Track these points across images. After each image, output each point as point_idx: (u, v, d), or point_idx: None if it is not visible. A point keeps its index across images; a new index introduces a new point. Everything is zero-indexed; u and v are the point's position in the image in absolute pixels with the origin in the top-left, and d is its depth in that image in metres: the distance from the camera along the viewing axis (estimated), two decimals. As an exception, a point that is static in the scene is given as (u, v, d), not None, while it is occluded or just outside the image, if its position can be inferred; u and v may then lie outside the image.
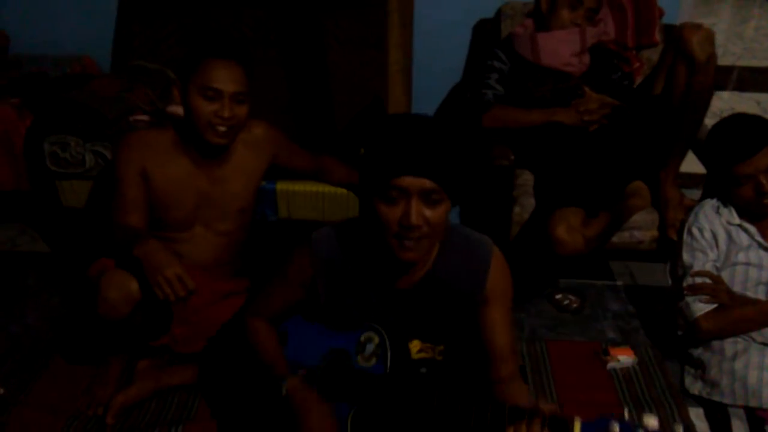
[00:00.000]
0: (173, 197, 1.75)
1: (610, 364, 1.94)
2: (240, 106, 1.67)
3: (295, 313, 1.50)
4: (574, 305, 2.21)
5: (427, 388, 1.26)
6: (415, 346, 1.38)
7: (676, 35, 1.85)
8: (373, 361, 1.32)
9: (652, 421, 1.02)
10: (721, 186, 1.83)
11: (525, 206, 2.05)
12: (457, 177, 1.17)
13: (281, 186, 2.10)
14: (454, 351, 1.43)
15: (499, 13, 2.46)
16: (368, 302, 1.36)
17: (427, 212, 1.15)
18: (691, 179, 2.29)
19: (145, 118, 2.20)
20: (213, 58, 1.63)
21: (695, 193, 2.12)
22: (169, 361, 1.84)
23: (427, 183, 1.13)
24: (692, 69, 1.82)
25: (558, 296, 2.24)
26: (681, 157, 1.99)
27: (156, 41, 2.50)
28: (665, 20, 2.45)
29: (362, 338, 1.35)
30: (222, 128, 1.66)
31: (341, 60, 2.44)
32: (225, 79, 1.62)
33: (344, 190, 2.08)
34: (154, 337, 1.74)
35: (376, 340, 1.33)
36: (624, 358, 1.95)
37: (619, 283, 2.37)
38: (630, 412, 1.08)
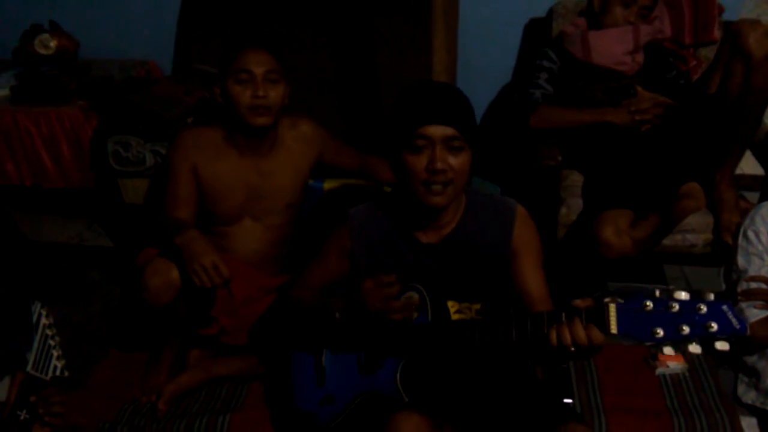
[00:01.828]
0: (223, 191, 1.83)
1: (659, 370, 1.88)
2: (274, 86, 1.74)
3: (339, 291, 1.53)
4: (624, 309, 2.16)
5: (466, 323, 1.32)
6: (452, 306, 1.43)
7: (732, 32, 1.80)
8: (415, 315, 1.36)
9: (683, 294, 1.03)
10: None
11: (572, 207, 2.03)
12: (474, 126, 1.31)
13: (329, 185, 2.14)
14: (492, 310, 1.46)
15: (550, 12, 2.43)
16: (403, 263, 1.43)
17: (451, 159, 1.27)
18: (749, 181, 2.20)
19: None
20: (243, 49, 1.74)
21: (753, 196, 2.04)
22: (218, 353, 1.91)
23: (449, 130, 1.26)
24: (749, 66, 1.76)
25: (607, 299, 2.19)
26: (737, 157, 1.93)
27: (215, 45, 2.60)
28: (725, 17, 2.36)
29: (403, 298, 1.39)
30: (261, 109, 1.73)
31: (390, 62, 2.48)
32: (255, 61, 1.72)
33: (390, 189, 2.10)
34: (201, 325, 1.81)
35: (416, 297, 1.38)
36: (674, 364, 1.89)
37: (672, 287, 2.29)
38: (661, 289, 1.06)
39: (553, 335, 1.13)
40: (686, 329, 1.02)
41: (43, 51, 2.66)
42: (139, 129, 2.20)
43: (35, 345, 1.36)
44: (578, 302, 1.14)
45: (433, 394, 1.37)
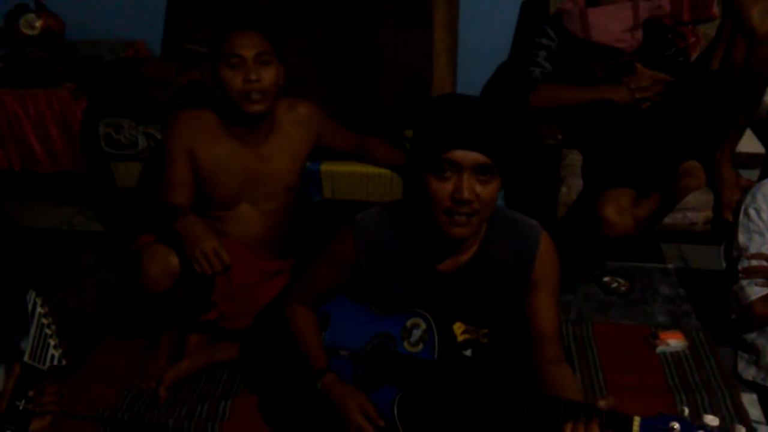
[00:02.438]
0: (220, 175, 1.79)
1: (660, 348, 1.89)
2: (266, 68, 1.69)
3: (339, 295, 1.50)
4: (623, 288, 2.16)
5: (476, 375, 1.24)
6: (459, 328, 1.37)
7: (734, 8, 1.77)
8: (420, 347, 1.30)
9: (713, 422, 0.99)
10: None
11: (572, 187, 2.02)
12: (509, 153, 1.16)
13: (326, 167, 2.11)
14: (499, 334, 1.41)
15: (547, -12, 2.40)
16: (413, 285, 1.35)
17: (479, 188, 1.15)
18: (748, 159, 2.19)
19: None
20: (232, 31, 1.68)
21: (753, 174, 2.04)
22: (217, 337, 1.89)
23: (480, 157, 1.12)
24: (752, 43, 1.73)
25: (606, 279, 2.19)
26: (738, 135, 1.91)
27: (205, 25, 2.53)
28: (723, -8, 2.34)
29: (408, 324, 1.34)
30: (255, 95, 1.68)
31: (386, 40, 2.42)
32: (245, 44, 1.66)
33: (388, 171, 2.08)
34: (200, 310, 1.79)
35: (423, 326, 1.31)
36: (674, 342, 1.90)
37: (670, 266, 2.30)
38: (689, 411, 1.03)
39: (567, 428, 1.06)
40: None
41: (28, 31, 2.59)
42: (131, 111, 2.14)
43: (31, 334, 1.32)
44: (602, 404, 1.05)
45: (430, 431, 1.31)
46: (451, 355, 1.31)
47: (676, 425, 0.99)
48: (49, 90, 2.34)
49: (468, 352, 1.37)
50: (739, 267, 1.77)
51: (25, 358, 1.27)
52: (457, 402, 1.24)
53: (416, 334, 1.32)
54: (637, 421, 1.02)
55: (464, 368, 1.32)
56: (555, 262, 1.34)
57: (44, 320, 1.34)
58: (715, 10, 2.31)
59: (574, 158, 2.09)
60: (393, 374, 1.32)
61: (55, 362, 1.32)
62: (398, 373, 1.31)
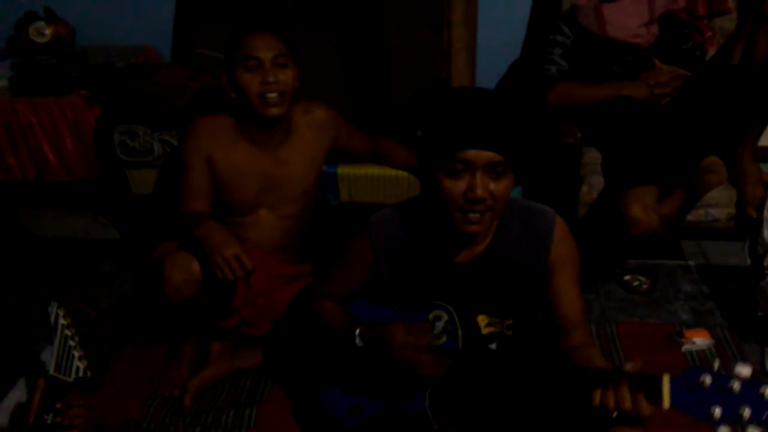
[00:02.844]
0: (238, 181, 1.78)
1: (686, 347, 1.88)
2: (283, 70, 1.68)
3: (359, 299, 1.50)
4: (645, 286, 2.15)
5: (503, 361, 1.24)
6: (482, 320, 1.36)
7: (755, 2, 1.75)
8: (444, 338, 1.31)
9: (745, 370, 0.96)
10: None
11: (593, 185, 2.00)
12: (522, 150, 1.17)
13: (342, 170, 2.10)
14: (524, 325, 1.40)
15: (560, -16, 2.38)
16: (431, 279, 1.36)
17: (492, 185, 1.16)
18: (768, 153, 2.18)
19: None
20: (247, 34, 1.67)
21: (773, 168, 2.02)
22: (239, 344, 1.88)
23: (492, 155, 1.13)
24: (774, 36, 1.72)
25: (627, 277, 2.18)
26: (760, 129, 1.89)
27: (216, 29, 2.52)
28: (740, -14, 2.32)
29: (430, 317, 1.34)
30: (272, 95, 1.67)
31: (398, 41, 2.41)
32: (261, 46, 1.65)
33: (405, 173, 2.07)
34: (222, 317, 1.78)
35: (445, 317, 1.32)
36: (700, 340, 1.88)
37: (692, 263, 2.28)
38: (720, 363, 1.01)
39: (597, 396, 1.05)
40: (747, 413, 0.93)
41: (38, 39, 2.58)
42: (146, 118, 2.13)
43: (55, 346, 1.32)
44: (629, 366, 1.05)
45: (463, 422, 1.31)
46: (476, 344, 1.32)
47: (708, 378, 0.97)
48: (62, 98, 2.33)
49: (493, 346, 1.37)
50: (765, 263, 1.75)
51: (51, 371, 1.27)
52: (486, 388, 1.24)
53: (439, 326, 1.32)
54: (666, 379, 1.01)
55: (490, 355, 1.33)
56: (572, 246, 1.33)
57: (68, 332, 1.33)
58: (731, 3, 2.28)
59: (593, 156, 2.07)
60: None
61: (80, 374, 1.32)
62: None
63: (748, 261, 1.87)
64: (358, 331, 1.32)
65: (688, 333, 1.90)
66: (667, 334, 1.93)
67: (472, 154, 1.13)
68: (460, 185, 1.16)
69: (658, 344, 1.90)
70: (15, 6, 2.62)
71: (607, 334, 1.95)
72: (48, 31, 2.58)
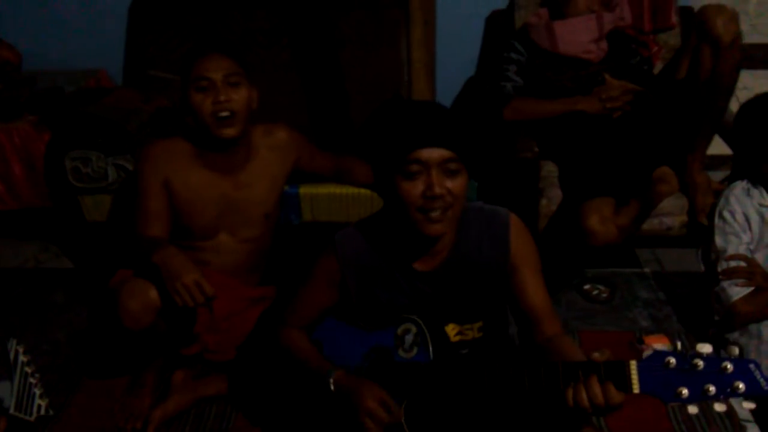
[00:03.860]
0: (196, 205, 1.75)
1: (646, 353, 1.90)
2: (235, 89, 1.67)
3: (326, 320, 1.48)
4: (604, 295, 2.20)
5: (474, 365, 1.24)
6: (452, 329, 1.37)
7: (699, 17, 1.83)
8: (415, 351, 1.31)
9: (706, 348, 0.99)
10: (750, 166, 1.81)
11: (552, 198, 2.04)
12: (472, 145, 1.23)
13: (304, 190, 2.08)
14: (493, 325, 1.42)
15: (512, 3, 2.43)
16: (399, 291, 1.36)
17: (448, 183, 1.20)
18: (716, 161, 2.26)
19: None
20: (200, 56, 1.67)
21: (720, 175, 2.09)
22: (203, 371, 1.83)
23: (444, 153, 1.18)
24: (717, 52, 1.79)
25: (587, 287, 2.22)
26: (708, 140, 1.97)
27: (169, 50, 2.49)
28: (681, 2, 2.42)
29: (399, 331, 1.34)
30: (224, 114, 1.65)
31: (355, 60, 2.43)
32: (212, 67, 1.65)
33: (367, 191, 2.07)
34: (183, 344, 1.74)
35: (414, 329, 1.32)
36: (659, 346, 1.93)
37: (647, 270, 2.35)
38: (683, 343, 1.03)
39: (569, 395, 1.07)
40: (712, 389, 0.97)
41: (-18, 64, 2.49)
42: (99, 142, 2.07)
43: (15, 385, 1.26)
44: (596, 356, 1.06)
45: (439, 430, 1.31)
46: (447, 353, 1.32)
47: (672, 359, 1.00)
48: (9, 123, 2.27)
49: (465, 351, 1.38)
50: (719, 269, 1.81)
51: (11, 410, 1.21)
52: (460, 394, 1.24)
53: (409, 339, 1.33)
54: (633, 365, 1.03)
55: (461, 360, 1.34)
56: (529, 240, 1.37)
57: (27, 369, 1.28)
58: (674, 19, 2.39)
59: (550, 169, 2.12)
60: (394, 384, 1.31)
61: (42, 412, 1.26)
62: (399, 381, 1.31)
63: (702, 267, 1.93)
64: (332, 378, 1.33)
65: (647, 339, 1.95)
66: (628, 342, 1.97)
67: (425, 153, 1.18)
68: (418, 186, 1.19)
69: (620, 352, 1.94)
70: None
71: (571, 344, 1.98)
72: (-7, 56, 2.49)
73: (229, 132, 1.67)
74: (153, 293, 1.55)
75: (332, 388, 1.32)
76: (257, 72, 2.41)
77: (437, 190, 1.18)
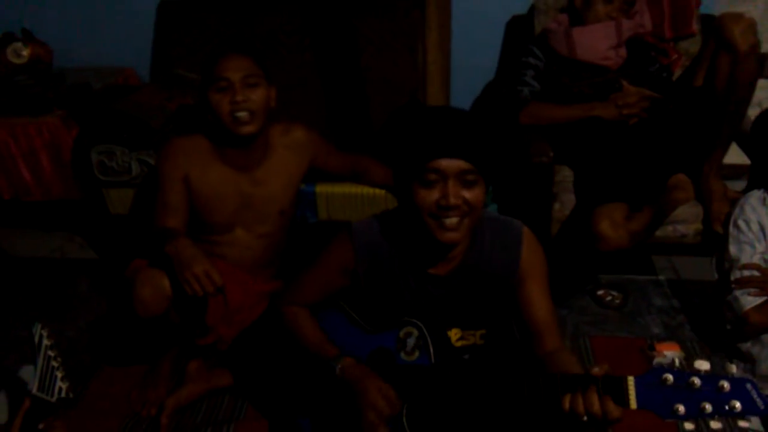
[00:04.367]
0: (214, 200, 1.80)
1: (657, 360, 1.91)
2: (253, 89, 1.71)
3: (330, 319, 1.50)
4: (617, 301, 2.19)
5: (475, 371, 1.26)
6: (455, 334, 1.39)
7: (717, 25, 1.83)
8: (416, 354, 1.33)
9: (704, 365, 1.00)
10: (767, 175, 1.80)
11: (565, 203, 2.05)
12: (491, 158, 1.23)
13: (320, 188, 2.12)
14: (496, 334, 1.43)
15: (532, 8, 2.45)
16: (407, 290, 1.38)
17: (465, 193, 1.21)
18: (734, 170, 2.25)
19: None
20: (220, 57, 1.72)
21: (738, 185, 2.08)
22: (217, 363, 1.88)
23: (462, 164, 1.19)
24: (735, 59, 1.78)
25: (600, 292, 2.22)
26: (724, 148, 1.96)
27: (194, 50, 2.55)
28: (702, 10, 2.41)
29: (401, 334, 1.36)
30: (242, 114, 1.69)
31: (375, 62, 2.46)
32: (231, 67, 1.69)
33: (382, 191, 2.09)
34: (199, 335, 1.78)
35: (416, 333, 1.34)
36: (670, 353, 1.92)
37: (662, 277, 2.34)
38: (681, 359, 1.04)
39: (566, 401, 1.08)
40: (708, 407, 0.98)
41: (15, 60, 2.58)
42: (124, 138, 2.14)
43: (39, 367, 1.31)
44: (596, 370, 1.08)
45: None
46: (449, 357, 1.34)
47: (669, 376, 1.01)
48: (39, 118, 2.33)
49: (466, 357, 1.40)
50: (732, 278, 1.80)
51: (34, 391, 1.26)
52: (460, 398, 1.26)
53: (410, 342, 1.35)
54: (631, 380, 1.04)
55: (462, 365, 1.36)
56: (540, 254, 1.38)
57: (51, 352, 1.33)
58: (695, 26, 2.38)
59: (566, 174, 2.12)
60: (396, 386, 1.33)
61: (63, 395, 1.31)
62: (400, 384, 1.33)
63: (716, 275, 1.92)
64: (340, 365, 1.35)
65: (659, 346, 1.94)
66: (639, 348, 1.97)
67: (444, 163, 1.19)
68: (434, 194, 1.21)
69: (630, 358, 1.94)
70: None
71: (581, 348, 1.99)
72: (25, 52, 2.58)
73: (247, 129, 1.72)
74: (165, 282, 1.59)
75: (338, 373, 1.34)
76: (279, 72, 2.47)
77: (452, 200, 1.19)
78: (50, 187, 2.42)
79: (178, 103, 2.34)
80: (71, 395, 1.27)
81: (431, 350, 1.31)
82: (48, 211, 2.63)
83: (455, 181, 1.20)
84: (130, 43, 2.76)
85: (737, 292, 1.77)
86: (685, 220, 2.01)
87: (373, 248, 1.38)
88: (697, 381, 0.99)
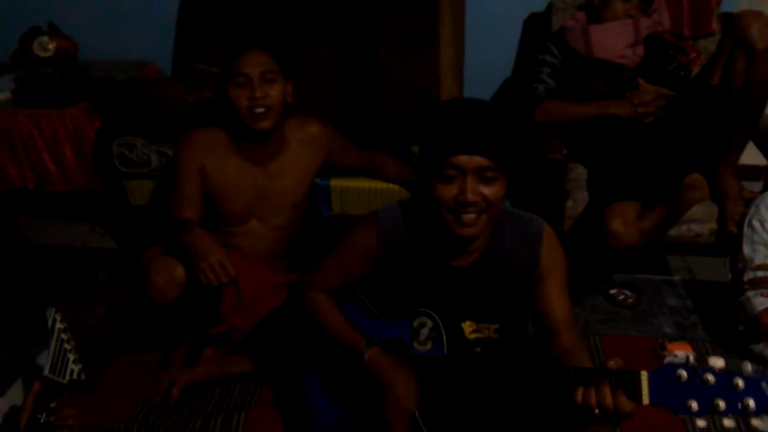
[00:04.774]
0: (229, 192, 1.83)
1: (667, 359, 1.90)
2: (271, 85, 1.74)
3: (344, 308, 1.51)
4: (630, 300, 2.18)
5: (487, 363, 1.26)
6: (468, 326, 1.40)
7: (734, 23, 1.81)
8: (429, 345, 1.33)
9: (719, 362, 1.00)
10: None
11: (578, 200, 2.05)
12: (512, 155, 1.22)
13: (335, 182, 2.15)
14: (510, 329, 1.43)
15: (550, 6, 2.45)
16: (425, 280, 1.39)
17: (484, 189, 1.20)
18: (751, 171, 2.22)
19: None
20: (238, 53, 1.74)
21: (755, 186, 2.06)
22: (231, 352, 1.91)
23: (482, 160, 1.18)
24: (751, 58, 1.77)
25: (613, 291, 2.21)
26: (740, 148, 1.94)
27: (214, 45, 2.60)
28: (723, 8, 2.39)
29: (415, 324, 1.37)
30: (259, 110, 1.72)
31: (392, 59, 2.48)
32: (250, 63, 1.72)
33: (396, 186, 2.12)
34: (211, 323, 1.81)
35: (429, 324, 1.34)
36: (681, 353, 1.91)
37: (677, 278, 2.32)
38: (695, 356, 1.04)
39: (579, 394, 1.08)
40: (722, 405, 0.97)
41: (41, 53, 2.64)
42: (144, 130, 2.19)
43: (51, 349, 1.36)
44: (610, 363, 1.08)
45: (453, 426, 1.33)
46: (461, 349, 1.34)
47: (683, 372, 1.01)
48: (63, 110, 2.39)
49: (478, 350, 1.40)
50: (745, 278, 1.79)
51: (46, 372, 1.30)
52: (472, 389, 1.26)
53: (424, 332, 1.35)
54: (644, 375, 1.04)
55: (475, 357, 1.36)
56: (560, 251, 1.38)
57: (63, 335, 1.37)
58: (715, 25, 2.36)
59: (580, 172, 2.12)
60: None
61: (74, 376, 1.35)
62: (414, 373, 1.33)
63: (729, 276, 1.91)
64: (370, 352, 1.34)
65: (670, 346, 1.93)
66: (650, 347, 1.96)
67: (462, 159, 1.18)
68: (452, 190, 1.21)
69: (641, 357, 1.93)
70: (19, 21, 2.69)
71: (591, 346, 1.98)
72: (51, 46, 2.65)
73: (264, 125, 1.75)
74: (179, 270, 1.63)
75: (366, 361, 1.34)
76: (297, 67, 2.52)
77: (469, 196, 1.19)
78: (73, 177, 2.48)
79: (197, 97, 2.39)
80: (83, 377, 1.31)
81: (445, 341, 1.32)
82: (71, 202, 2.69)
83: (474, 177, 1.19)
84: (153, 37, 2.82)
85: (750, 293, 1.76)
86: (700, 219, 1.99)
87: (397, 236, 1.39)
88: (711, 377, 0.98)
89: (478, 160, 1.18)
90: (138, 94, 2.34)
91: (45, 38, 2.65)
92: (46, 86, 2.45)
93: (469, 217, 1.22)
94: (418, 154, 1.30)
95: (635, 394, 1.04)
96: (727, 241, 1.94)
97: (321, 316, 1.47)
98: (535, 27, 2.53)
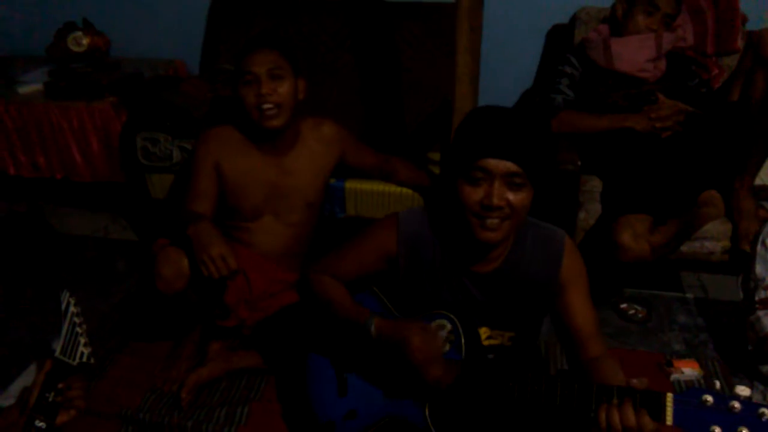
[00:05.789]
0: (244, 187, 1.87)
1: (674, 376, 1.89)
2: (279, 82, 1.76)
3: (363, 294, 1.50)
4: (640, 315, 2.17)
5: (507, 372, 1.24)
6: (484, 332, 1.40)
7: (754, 40, 1.80)
8: (447, 347, 1.33)
9: (745, 392, 1.00)
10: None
11: (590, 212, 2.04)
12: (540, 164, 1.22)
13: (350, 184, 2.18)
14: (524, 338, 1.43)
15: (573, 18, 2.45)
16: (445, 285, 1.39)
17: (510, 195, 1.20)
18: (765, 191, 2.19)
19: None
20: (248, 52, 1.78)
21: (773, 206, 2.04)
22: (240, 345, 1.95)
23: (511, 166, 1.18)
24: (770, 75, 1.76)
25: (623, 305, 2.20)
26: (757, 166, 1.92)
27: (238, 46, 2.64)
28: (749, 26, 2.36)
29: (433, 325, 1.36)
30: (268, 106, 1.75)
31: (413, 65, 2.51)
32: (257, 61, 1.75)
33: (410, 191, 2.13)
34: (219, 316, 1.85)
35: (448, 326, 1.34)
36: (689, 370, 1.90)
37: (689, 295, 2.30)
38: (721, 383, 1.04)
39: (602, 415, 1.07)
40: None
41: (75, 48, 2.74)
42: (168, 126, 2.25)
43: (63, 331, 1.39)
44: (635, 382, 1.07)
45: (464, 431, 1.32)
46: (478, 355, 1.34)
47: (709, 398, 1.01)
48: (92, 103, 2.46)
49: (491, 356, 1.40)
50: (756, 298, 1.77)
51: (56, 353, 1.34)
52: (489, 397, 1.25)
53: (442, 334, 1.34)
54: (669, 397, 1.04)
55: (493, 365, 1.36)
56: (581, 263, 1.38)
57: (76, 319, 1.41)
58: (739, 43, 2.33)
59: (594, 184, 2.12)
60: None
61: (84, 359, 1.39)
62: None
63: (741, 295, 1.89)
64: (375, 322, 1.33)
65: (677, 363, 1.92)
66: (657, 363, 1.95)
67: (492, 162, 1.19)
68: (479, 192, 1.21)
69: (647, 372, 1.91)
70: (55, 16, 2.79)
71: (597, 358, 1.97)
72: (85, 41, 2.74)
73: (273, 123, 1.78)
74: (184, 261, 1.67)
75: (373, 334, 1.33)
76: (320, 70, 2.56)
77: (495, 201, 1.19)
78: (98, 169, 2.55)
79: (217, 95, 2.44)
80: (92, 360, 1.35)
81: (463, 345, 1.31)
82: (96, 193, 2.77)
83: (501, 182, 1.19)
84: (183, 37, 2.89)
85: (760, 313, 1.74)
86: (714, 236, 1.98)
87: (417, 239, 1.39)
88: (737, 405, 0.99)
89: (507, 165, 1.18)
90: (164, 91, 2.40)
91: (79, 34, 2.74)
92: (78, 80, 2.53)
93: (493, 222, 1.22)
94: (444, 156, 1.29)
95: (658, 415, 1.04)
96: (740, 259, 1.92)
97: (325, 295, 1.46)
98: (558, 39, 2.53)
